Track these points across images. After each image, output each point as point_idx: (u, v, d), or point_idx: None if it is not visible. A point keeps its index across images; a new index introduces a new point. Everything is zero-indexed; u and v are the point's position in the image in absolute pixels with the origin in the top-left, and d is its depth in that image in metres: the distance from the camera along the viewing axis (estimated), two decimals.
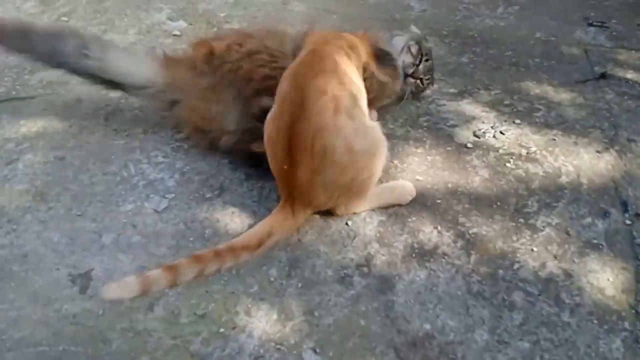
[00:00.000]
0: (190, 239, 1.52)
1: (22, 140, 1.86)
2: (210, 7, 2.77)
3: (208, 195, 1.66)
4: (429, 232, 1.56)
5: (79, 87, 2.11)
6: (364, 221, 1.59)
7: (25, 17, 2.61)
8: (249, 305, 1.36)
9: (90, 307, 1.34)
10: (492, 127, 1.96)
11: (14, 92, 2.09)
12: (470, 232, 1.56)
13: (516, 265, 1.47)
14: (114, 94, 2.06)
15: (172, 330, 1.30)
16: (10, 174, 1.72)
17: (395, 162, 1.80)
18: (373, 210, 1.62)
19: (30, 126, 1.92)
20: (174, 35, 2.51)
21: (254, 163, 1.68)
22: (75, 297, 1.37)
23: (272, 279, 1.42)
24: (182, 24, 2.63)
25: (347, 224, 1.59)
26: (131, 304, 1.35)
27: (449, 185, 1.72)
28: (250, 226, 1.52)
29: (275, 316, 1.34)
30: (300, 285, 1.41)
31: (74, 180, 1.70)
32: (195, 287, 1.39)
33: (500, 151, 1.85)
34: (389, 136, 1.89)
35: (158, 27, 2.58)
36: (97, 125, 1.93)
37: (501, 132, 1.93)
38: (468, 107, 2.07)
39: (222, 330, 1.30)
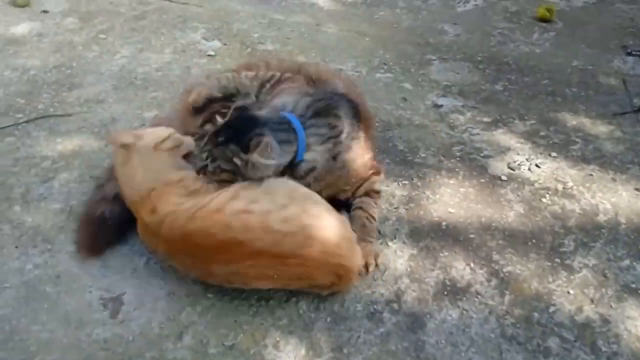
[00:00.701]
0: None
1: (58, 158, 1.89)
2: (245, 27, 2.80)
3: None
4: (462, 269, 1.53)
5: (114, 105, 2.14)
6: (394, 254, 1.57)
7: (64, 33, 2.67)
8: (278, 339, 1.35)
9: (121, 333, 1.35)
10: (527, 160, 1.93)
11: (51, 109, 2.13)
12: (505, 270, 1.53)
13: (552, 309, 1.44)
14: (149, 114, 2.09)
15: (201, 358, 1.30)
16: (46, 192, 1.75)
17: (427, 192, 1.78)
18: (404, 243, 1.60)
19: (67, 144, 1.95)
20: (209, 55, 2.53)
21: None
22: (106, 322, 1.38)
23: (301, 311, 1.41)
24: (216, 44, 2.65)
25: None
26: (161, 331, 1.35)
27: (483, 219, 1.69)
28: None
29: (303, 351, 1.32)
30: (329, 319, 1.40)
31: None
32: (224, 316, 1.39)
33: (536, 185, 1.82)
34: (420, 165, 1.88)
35: (193, 47, 2.61)
36: None
37: (537, 165, 1.90)
38: (502, 137, 2.04)
39: None
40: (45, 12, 2.84)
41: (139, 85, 2.31)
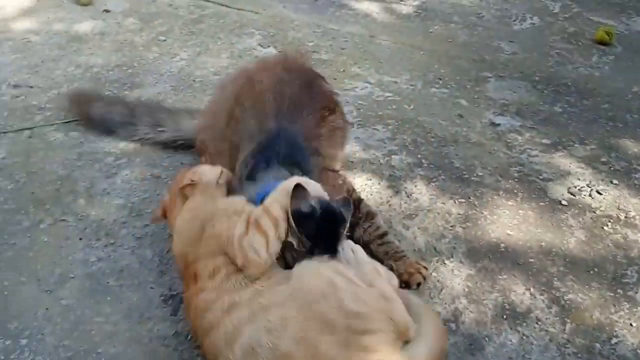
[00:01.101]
0: None
1: (120, 155, 1.93)
2: (299, 36, 2.82)
3: None
4: (521, 293, 1.51)
5: (176, 105, 2.18)
6: (451, 273, 1.56)
7: (125, 33, 2.74)
8: None
9: (181, 331, 1.37)
10: (588, 185, 1.89)
11: None
12: (566, 298, 1.50)
13: (614, 340, 1.40)
14: None
15: None
16: (109, 187, 1.79)
17: (485, 212, 1.77)
18: (462, 262, 1.59)
19: (128, 141, 2.00)
20: None
21: None
22: (167, 319, 1.40)
23: None
24: (272, 50, 2.69)
25: (432, 274, 1.56)
26: None
27: (543, 244, 1.66)
28: None
29: None
30: None
31: None
32: None
33: (597, 212, 1.78)
34: (478, 183, 1.86)
35: (249, 53, 2.64)
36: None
37: (598, 192, 1.86)
38: (562, 160, 2.01)
39: None
40: (107, 11, 2.92)
41: (197, 88, 2.35)
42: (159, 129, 1.92)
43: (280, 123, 1.52)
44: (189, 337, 1.36)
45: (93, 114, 2.02)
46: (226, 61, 2.56)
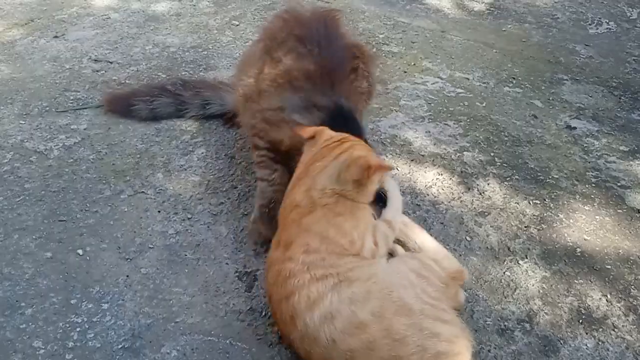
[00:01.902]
0: None
1: (196, 134, 1.98)
2: (370, 27, 2.82)
3: None
4: (598, 299, 1.47)
5: None
6: (525, 274, 1.53)
7: (199, 15, 2.80)
8: None
9: (255, 307, 1.40)
10: None
11: None
12: None
13: None
14: None
15: None
16: (186, 164, 1.84)
17: (561, 215, 1.73)
18: (536, 263, 1.56)
19: (203, 121, 2.04)
20: None
21: None
22: (242, 294, 1.43)
23: None
24: None
25: (505, 273, 1.54)
26: None
27: (620, 251, 1.61)
28: None
29: None
30: None
31: (242, 180, 1.79)
32: None
33: None
34: (553, 186, 1.82)
35: None
36: None
37: None
38: None
39: None
40: None
41: None
42: (207, 106, 2.01)
43: (331, 98, 1.51)
44: (264, 313, 1.39)
45: (140, 112, 2.00)
46: None
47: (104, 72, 2.32)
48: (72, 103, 2.10)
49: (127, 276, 1.46)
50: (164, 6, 2.86)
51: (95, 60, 2.38)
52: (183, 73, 2.33)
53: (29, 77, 2.23)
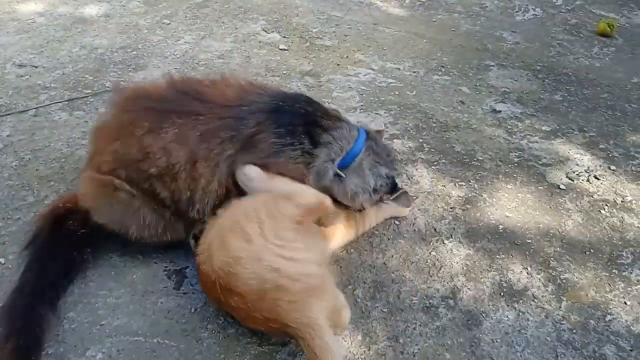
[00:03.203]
0: None
1: None
2: (304, 22, 2.84)
3: None
4: (519, 272, 1.53)
5: None
6: (450, 252, 1.58)
7: (129, 16, 2.75)
8: None
9: (184, 304, 1.39)
10: (586, 171, 1.91)
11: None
12: (562, 277, 1.52)
13: (608, 317, 1.43)
14: None
15: (260, 337, 1.33)
16: None
17: (484, 195, 1.79)
18: (460, 242, 1.61)
19: None
20: (281, 49, 2.58)
21: None
22: (171, 292, 1.42)
23: (358, 299, 1.43)
24: (276, 36, 2.70)
25: (431, 253, 1.58)
26: None
27: (540, 226, 1.68)
28: None
29: (360, 337, 1.35)
30: (385, 309, 1.41)
31: None
32: None
33: (595, 197, 1.80)
34: (478, 167, 1.88)
35: (253, 38, 2.66)
36: None
37: (595, 177, 1.88)
38: (561, 147, 2.03)
39: None
40: None
41: (201, 71, 2.36)
42: None
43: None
44: (193, 309, 1.38)
45: None
46: (230, 45, 2.58)
47: (28, 76, 2.25)
48: None
49: None
50: (92, 8, 2.80)
51: (20, 65, 2.31)
52: (111, 74, 2.29)
53: None
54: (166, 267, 1.49)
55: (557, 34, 2.89)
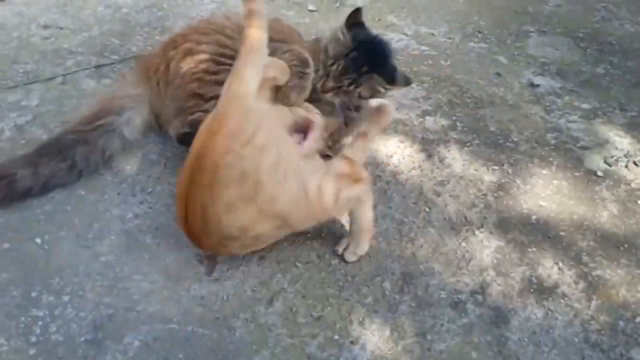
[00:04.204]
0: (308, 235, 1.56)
1: None
2: None
3: None
4: (550, 268, 1.52)
5: None
6: (480, 244, 1.57)
7: None
8: (363, 317, 1.39)
9: (216, 291, 1.42)
10: (625, 156, 1.85)
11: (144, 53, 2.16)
12: (594, 274, 1.51)
13: (638, 319, 1.42)
14: None
15: (290, 328, 1.36)
16: (144, 141, 1.79)
17: (518, 181, 1.75)
18: (492, 233, 1.59)
19: None
20: (310, 10, 2.47)
21: None
22: (203, 279, 1.45)
23: (386, 292, 1.45)
24: None
25: (461, 244, 1.57)
26: (253, 294, 1.42)
27: (575, 217, 1.65)
28: None
29: (387, 332, 1.37)
30: (413, 303, 1.43)
31: None
32: (312, 287, 1.44)
33: (632, 185, 1.76)
34: (512, 150, 1.83)
35: None
36: None
37: (635, 163, 1.82)
38: (601, 127, 1.96)
39: (337, 337, 1.35)
40: None
41: None
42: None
43: None
44: (224, 297, 1.41)
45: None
46: None
47: (54, 39, 2.21)
48: (21, 77, 2.01)
49: (87, 265, 1.46)
50: None
51: (44, 27, 2.27)
52: (137, 37, 2.24)
53: None
54: (198, 252, 1.51)
55: None
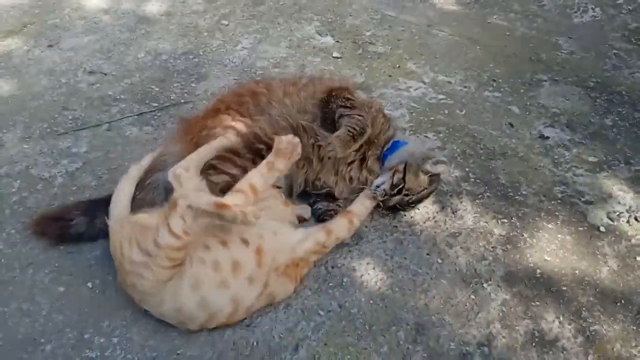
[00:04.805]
0: (330, 284, 1.72)
1: None
2: (357, 23, 2.87)
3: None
4: (551, 321, 1.66)
5: None
6: (488, 296, 1.71)
7: (190, 15, 2.84)
8: None
9: (247, 337, 1.58)
10: (627, 211, 1.97)
11: (182, 100, 2.34)
12: (592, 328, 1.64)
13: None
14: None
15: None
16: None
17: (525, 235, 1.89)
18: (499, 286, 1.73)
19: None
20: (334, 57, 2.64)
21: None
22: (235, 325, 1.61)
23: (400, 341, 1.59)
24: (329, 40, 2.75)
25: (471, 296, 1.71)
26: (280, 341, 1.58)
27: (577, 272, 1.79)
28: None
29: None
30: (425, 354, 1.57)
31: None
32: (333, 335, 1.59)
33: (633, 241, 1.88)
34: (521, 203, 1.97)
35: (307, 43, 2.72)
36: None
37: (636, 219, 1.95)
38: (606, 182, 2.08)
39: None
40: None
41: None
42: None
43: None
44: (254, 343, 1.57)
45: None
46: (285, 51, 2.66)
47: (99, 85, 2.41)
48: (71, 123, 2.21)
49: (133, 310, 1.63)
50: (154, 6, 2.90)
51: (90, 72, 2.47)
52: (175, 85, 2.43)
53: (28, 95, 2.33)
54: None
55: (615, 40, 2.84)
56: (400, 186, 1.80)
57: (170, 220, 1.45)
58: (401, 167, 1.80)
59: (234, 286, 1.52)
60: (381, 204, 1.82)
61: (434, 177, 1.84)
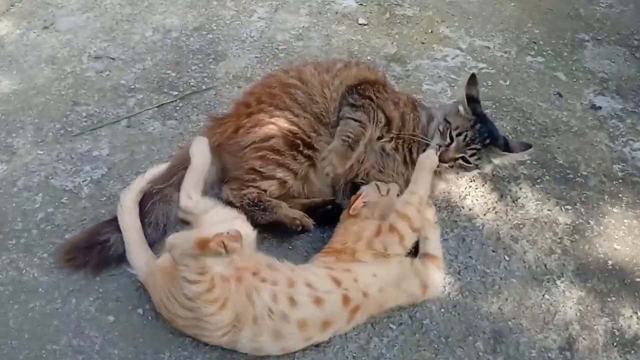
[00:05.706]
0: None
1: None
2: None
3: None
4: (629, 317, 1.60)
5: None
6: (562, 295, 1.64)
7: None
8: None
9: (320, 358, 1.50)
10: None
11: (203, 86, 2.13)
12: None
13: None
14: None
15: None
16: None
17: (591, 222, 1.80)
18: (572, 282, 1.66)
19: None
20: (360, 24, 2.42)
21: None
22: (306, 348, 1.52)
23: (479, 352, 1.52)
24: (351, 2, 2.52)
25: (545, 295, 1.63)
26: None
27: None
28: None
29: None
30: None
31: None
32: (408, 351, 1.51)
33: None
34: (582, 185, 1.87)
35: (329, 7, 2.49)
36: None
37: None
38: None
39: None
40: None
41: (283, 59, 2.26)
42: None
43: None
44: None
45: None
46: (306, 19, 2.43)
47: (108, 72, 2.18)
48: (86, 121, 2.01)
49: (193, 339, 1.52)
50: None
51: (96, 58, 2.23)
52: (192, 68, 2.21)
53: (32, 89, 2.10)
54: None
55: None
56: (449, 130, 1.66)
57: (180, 271, 1.32)
58: (441, 118, 1.71)
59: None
60: (443, 162, 1.66)
61: (475, 105, 1.70)
